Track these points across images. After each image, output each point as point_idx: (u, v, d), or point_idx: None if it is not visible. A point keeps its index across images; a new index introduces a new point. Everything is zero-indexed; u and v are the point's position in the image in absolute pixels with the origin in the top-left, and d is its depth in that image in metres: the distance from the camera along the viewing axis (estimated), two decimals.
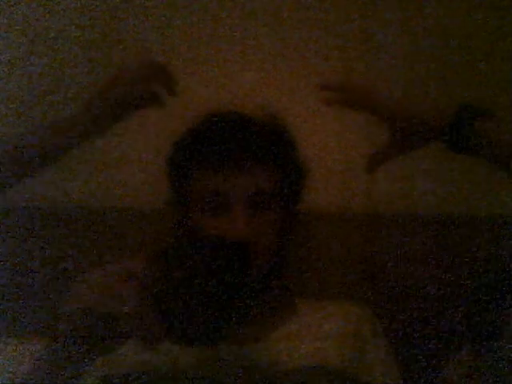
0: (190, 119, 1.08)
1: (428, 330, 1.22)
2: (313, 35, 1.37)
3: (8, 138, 1.03)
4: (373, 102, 0.97)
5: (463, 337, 1.05)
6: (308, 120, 1.32)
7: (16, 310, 1.23)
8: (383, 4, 1.37)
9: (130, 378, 0.98)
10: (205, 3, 1.39)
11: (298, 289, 1.18)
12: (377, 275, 1.26)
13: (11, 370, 1.08)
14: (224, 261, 0.70)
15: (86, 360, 0.72)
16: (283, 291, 1.11)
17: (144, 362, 1.00)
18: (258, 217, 1.01)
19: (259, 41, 1.38)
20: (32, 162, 0.99)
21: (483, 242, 1.25)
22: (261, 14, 1.38)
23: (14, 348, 1.15)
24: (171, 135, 1.09)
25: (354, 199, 1.33)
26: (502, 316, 0.98)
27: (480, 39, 1.36)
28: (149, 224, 1.26)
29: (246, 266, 0.71)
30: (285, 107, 1.12)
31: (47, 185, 1.29)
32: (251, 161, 1.01)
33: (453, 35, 1.36)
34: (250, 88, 1.35)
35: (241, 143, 1.01)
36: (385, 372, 1.05)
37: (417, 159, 1.21)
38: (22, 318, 1.22)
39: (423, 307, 1.23)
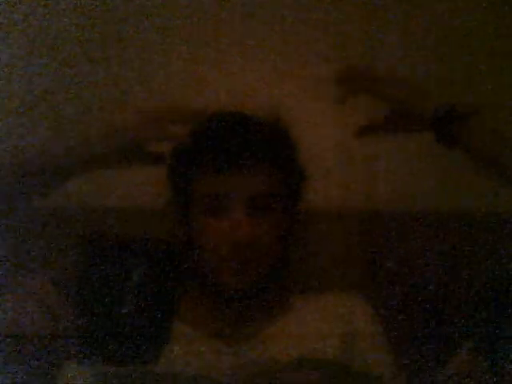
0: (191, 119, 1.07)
1: (428, 330, 1.21)
2: (313, 35, 1.37)
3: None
4: (375, 83, 0.96)
5: (463, 337, 1.05)
6: (308, 120, 1.31)
7: (15, 309, 1.23)
8: (383, 4, 1.37)
9: (131, 378, 0.98)
10: (205, 3, 1.39)
11: (298, 288, 1.18)
12: (377, 274, 1.26)
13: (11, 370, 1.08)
14: None
15: None
16: (279, 288, 1.11)
17: None
18: (259, 218, 1.01)
19: (260, 41, 1.38)
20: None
21: (483, 241, 1.25)
22: (261, 13, 1.38)
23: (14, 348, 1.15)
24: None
25: (354, 199, 1.33)
26: (502, 316, 0.98)
27: (479, 39, 1.37)
28: (149, 225, 1.26)
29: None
30: (285, 107, 1.12)
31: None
32: (252, 162, 1.01)
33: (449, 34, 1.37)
34: (251, 88, 1.35)
35: (242, 144, 1.01)
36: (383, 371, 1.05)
37: (417, 159, 1.21)
38: (21, 318, 1.22)
39: (423, 306, 1.23)
